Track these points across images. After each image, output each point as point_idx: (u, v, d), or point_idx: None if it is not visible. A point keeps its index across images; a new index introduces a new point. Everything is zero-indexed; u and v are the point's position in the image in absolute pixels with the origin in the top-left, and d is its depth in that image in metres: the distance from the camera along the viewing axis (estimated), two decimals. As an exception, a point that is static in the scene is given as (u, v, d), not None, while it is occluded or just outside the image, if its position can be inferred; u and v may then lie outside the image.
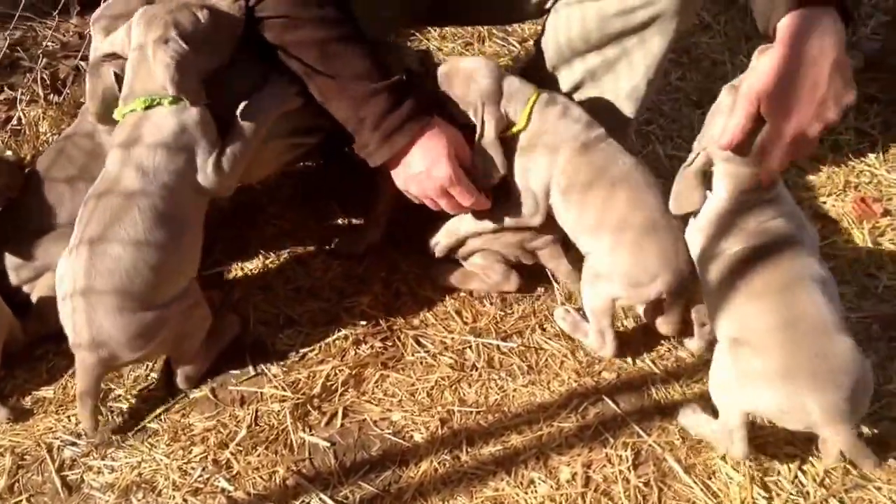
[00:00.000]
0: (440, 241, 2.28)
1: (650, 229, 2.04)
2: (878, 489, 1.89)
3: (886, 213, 2.57)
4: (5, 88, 2.89)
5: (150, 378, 2.14)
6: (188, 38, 1.97)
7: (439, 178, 2.05)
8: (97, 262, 1.93)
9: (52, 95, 2.84)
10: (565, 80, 2.33)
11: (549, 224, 2.18)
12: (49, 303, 2.10)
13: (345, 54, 2.02)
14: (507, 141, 2.14)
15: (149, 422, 2.04)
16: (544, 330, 2.25)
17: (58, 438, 2.01)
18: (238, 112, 2.04)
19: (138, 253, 1.94)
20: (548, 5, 2.33)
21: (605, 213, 2.07)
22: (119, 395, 2.10)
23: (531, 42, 2.99)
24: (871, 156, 2.78)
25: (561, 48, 2.30)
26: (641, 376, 2.13)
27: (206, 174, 2.00)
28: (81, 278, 1.93)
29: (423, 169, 2.05)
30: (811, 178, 2.70)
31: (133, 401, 2.09)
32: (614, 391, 2.10)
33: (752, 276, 1.86)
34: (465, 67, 2.16)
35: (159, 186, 1.96)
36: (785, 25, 1.76)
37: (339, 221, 2.54)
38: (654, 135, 2.85)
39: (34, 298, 2.16)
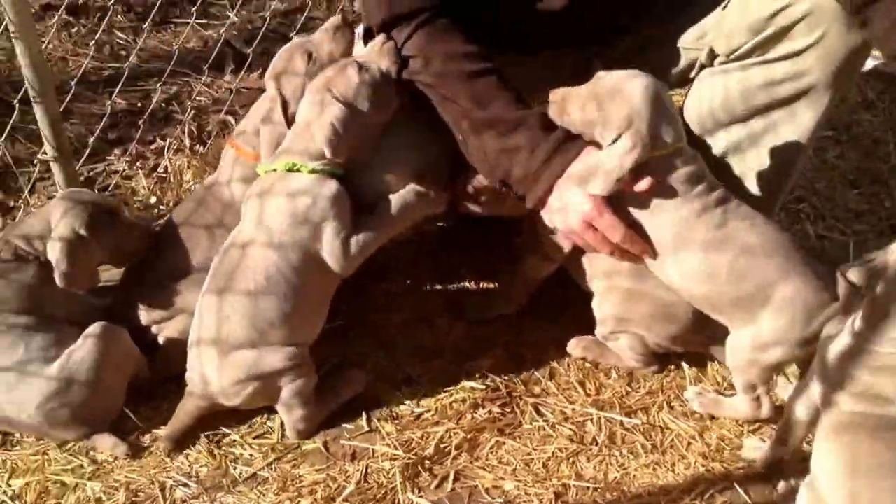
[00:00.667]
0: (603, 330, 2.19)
1: (806, 286, 1.91)
2: None
3: None
4: (157, 139, 3.02)
5: (265, 425, 2.13)
6: (348, 100, 2.01)
7: (581, 209, 1.93)
8: (218, 312, 1.99)
9: (197, 146, 2.96)
10: (707, 152, 2.23)
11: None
12: (176, 345, 2.16)
13: (490, 86, 2.01)
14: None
15: (259, 469, 2.02)
16: (672, 408, 2.13)
17: (171, 478, 2.02)
18: (385, 201, 2.06)
19: (254, 309, 1.98)
20: (691, 75, 2.26)
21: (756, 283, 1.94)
22: (234, 440, 2.10)
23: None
24: None
25: (703, 119, 2.21)
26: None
27: (331, 252, 2.02)
28: (203, 327, 2.00)
29: (568, 201, 1.95)
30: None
31: (246, 447, 2.08)
32: (744, 480, 1.95)
33: None
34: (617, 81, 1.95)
35: (282, 250, 1.99)
36: None
37: (467, 283, 2.50)
38: (804, 213, 2.70)
39: (162, 339, 2.21)
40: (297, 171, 2.02)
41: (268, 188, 2.04)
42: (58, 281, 2.07)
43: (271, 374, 2.01)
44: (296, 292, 2.00)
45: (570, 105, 1.93)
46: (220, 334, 1.99)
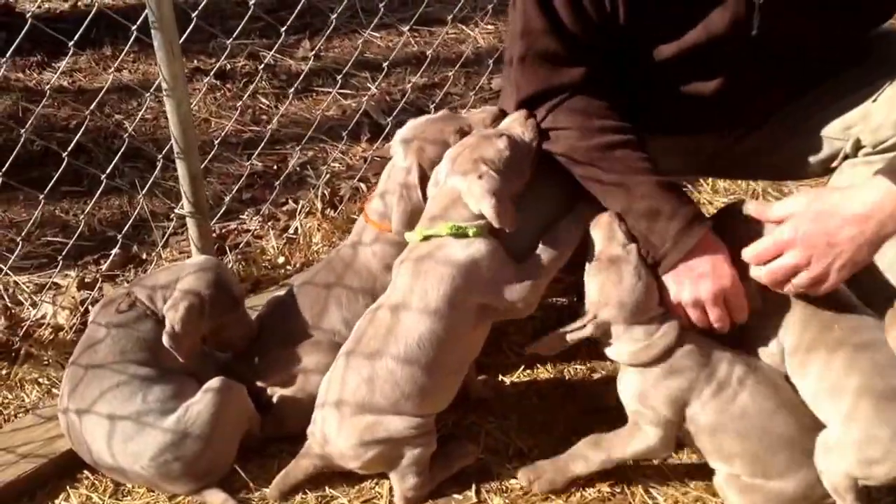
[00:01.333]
0: None
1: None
2: None
3: None
4: (290, 201, 3.11)
5: (374, 490, 2.11)
6: (499, 169, 2.02)
7: (721, 280, 1.92)
8: (359, 372, 2.00)
9: (329, 210, 3.02)
10: None
11: None
12: (290, 405, 2.17)
13: (631, 156, 2.01)
14: None
15: (369, 532, 2.00)
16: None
17: (272, 537, 2.01)
18: (541, 242, 2.06)
19: (399, 373, 1.98)
20: (833, 164, 2.19)
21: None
22: (342, 503, 2.08)
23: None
24: None
25: None
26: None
27: (515, 294, 2.01)
28: (343, 387, 2.01)
29: (707, 269, 1.93)
30: None
31: (349, 514, 2.06)
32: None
33: None
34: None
35: (435, 316, 1.98)
36: None
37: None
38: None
39: (276, 399, 2.23)
40: (464, 234, 2.02)
41: (425, 254, 2.04)
42: (164, 338, 2.09)
43: (398, 440, 2.00)
44: (438, 361, 1.99)
45: None
46: (358, 396, 1.99)
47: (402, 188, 2.17)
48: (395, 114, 3.40)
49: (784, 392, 1.95)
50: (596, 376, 2.42)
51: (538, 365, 2.45)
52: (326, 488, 2.10)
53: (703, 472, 2.08)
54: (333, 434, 2.01)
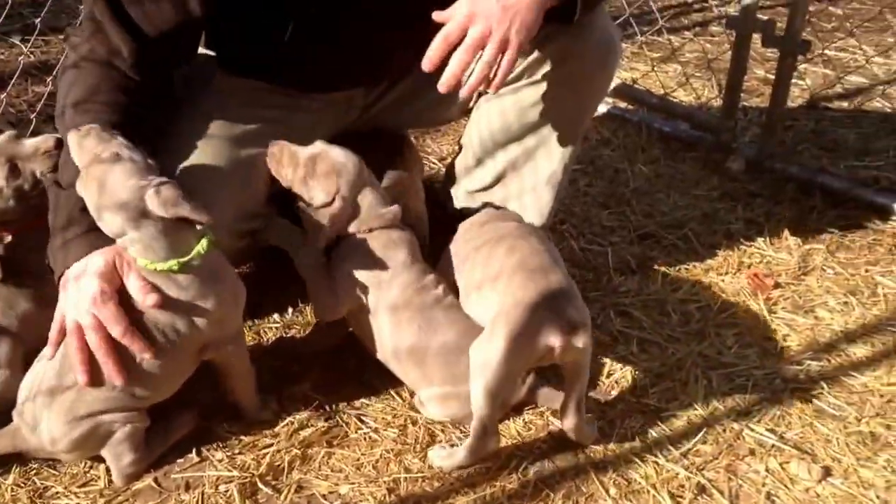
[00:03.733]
0: None
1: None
2: None
3: (777, 285, 2.81)
4: None
5: (89, 474, 2.12)
6: None
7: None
8: None
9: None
10: (489, 171, 2.53)
11: None
12: None
13: None
14: None
15: (91, 513, 2.02)
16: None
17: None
18: None
19: None
20: (470, 105, 2.54)
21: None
22: (58, 492, 2.07)
23: (449, 160, 3.20)
24: (760, 240, 3.05)
25: (485, 142, 2.50)
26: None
27: None
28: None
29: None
30: (709, 261, 2.93)
31: (72, 496, 2.06)
32: (551, 451, 2.19)
33: None
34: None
35: None
36: None
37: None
38: (567, 232, 3.06)
39: None
40: None
41: None
42: None
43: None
44: None
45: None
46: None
47: None
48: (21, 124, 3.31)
49: None
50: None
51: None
52: (40, 482, 2.08)
53: (403, 398, 2.36)
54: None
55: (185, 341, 2.01)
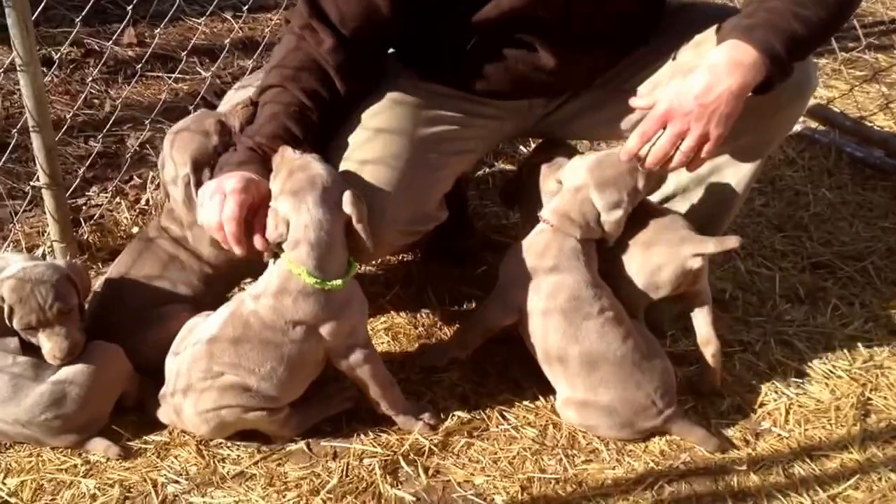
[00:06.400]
0: None
1: None
2: None
3: None
4: (134, 177, 3.19)
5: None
6: None
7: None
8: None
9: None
10: (670, 184, 2.47)
11: None
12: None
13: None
14: None
15: (247, 467, 2.17)
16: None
17: (162, 476, 2.14)
18: None
19: None
20: None
21: None
22: (221, 443, 2.23)
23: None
24: None
25: None
26: (720, 466, 2.19)
27: None
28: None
29: None
30: (889, 300, 2.80)
31: (234, 448, 2.22)
32: (688, 473, 2.17)
33: None
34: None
35: None
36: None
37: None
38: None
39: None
40: None
41: None
42: None
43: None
44: None
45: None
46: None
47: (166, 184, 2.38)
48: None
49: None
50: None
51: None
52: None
53: (546, 400, 2.39)
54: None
55: (311, 350, 2.13)
